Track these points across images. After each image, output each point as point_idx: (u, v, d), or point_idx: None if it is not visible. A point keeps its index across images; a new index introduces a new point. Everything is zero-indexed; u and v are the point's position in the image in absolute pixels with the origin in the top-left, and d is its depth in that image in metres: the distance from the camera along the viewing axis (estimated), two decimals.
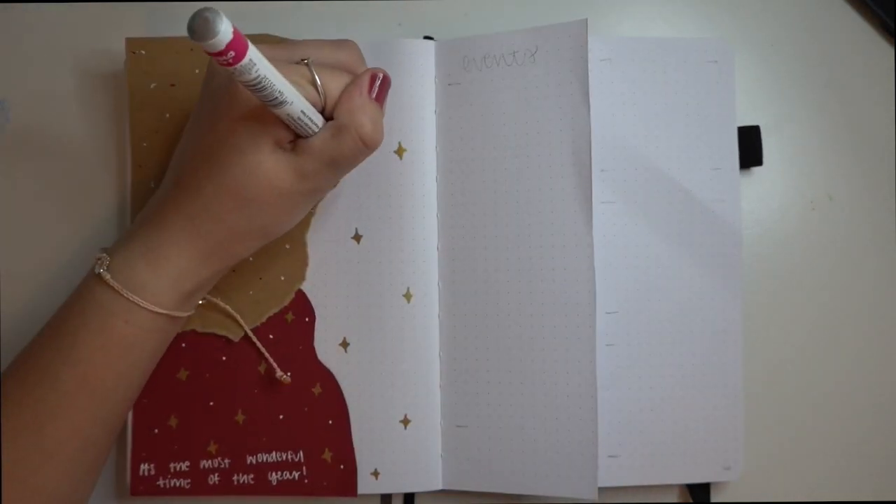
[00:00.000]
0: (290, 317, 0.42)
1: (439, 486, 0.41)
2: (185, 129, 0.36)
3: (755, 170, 0.44)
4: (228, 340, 0.41)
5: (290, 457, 0.41)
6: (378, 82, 0.34)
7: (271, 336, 0.41)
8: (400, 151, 0.42)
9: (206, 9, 0.25)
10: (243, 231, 0.34)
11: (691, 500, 0.42)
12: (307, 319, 0.42)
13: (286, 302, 0.42)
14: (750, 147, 0.43)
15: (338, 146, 0.33)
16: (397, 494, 0.42)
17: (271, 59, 0.29)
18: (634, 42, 0.43)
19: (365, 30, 0.44)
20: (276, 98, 0.29)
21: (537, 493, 0.41)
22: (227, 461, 0.41)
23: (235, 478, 0.41)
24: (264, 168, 0.32)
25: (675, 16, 0.45)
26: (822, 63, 0.45)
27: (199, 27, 0.24)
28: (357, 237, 0.42)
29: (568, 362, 0.41)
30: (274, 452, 0.41)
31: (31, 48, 0.44)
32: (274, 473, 0.41)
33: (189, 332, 0.41)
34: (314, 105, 0.33)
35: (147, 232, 0.34)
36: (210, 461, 0.41)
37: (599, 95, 0.42)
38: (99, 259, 0.34)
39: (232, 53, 0.26)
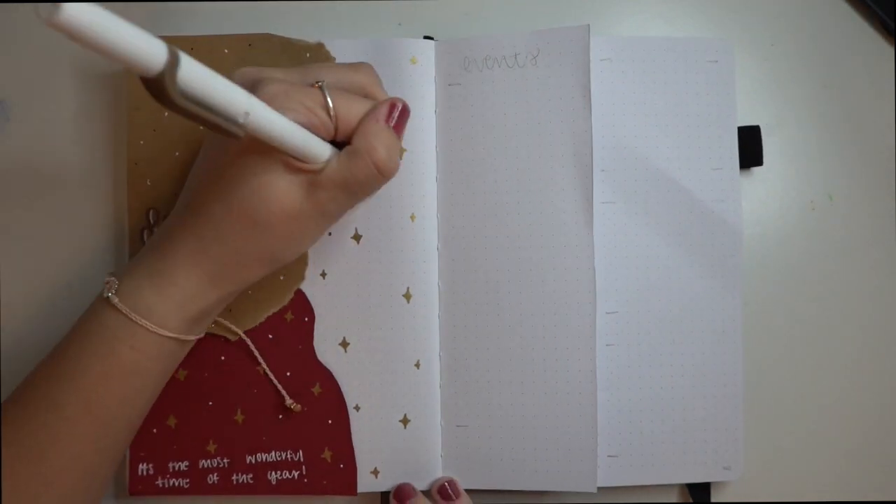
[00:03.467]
0: (289, 316, 0.42)
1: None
2: (199, 153, 0.36)
3: (755, 170, 0.44)
4: (227, 340, 0.41)
5: (289, 456, 0.41)
6: (397, 112, 0.34)
7: (271, 336, 0.41)
8: (400, 151, 0.41)
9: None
10: (251, 255, 0.34)
11: (691, 500, 0.42)
12: (307, 319, 0.42)
13: (285, 302, 0.42)
14: (750, 147, 0.43)
15: (351, 170, 0.32)
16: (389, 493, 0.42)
17: (284, 82, 0.29)
18: (634, 42, 0.43)
19: (365, 30, 0.44)
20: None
21: (537, 488, 0.41)
22: (226, 461, 0.41)
23: (235, 477, 0.41)
24: (274, 189, 0.32)
25: (675, 16, 0.45)
26: (822, 63, 0.45)
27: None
28: (357, 237, 0.42)
29: (568, 362, 0.41)
30: (273, 452, 0.41)
31: (30, 48, 0.44)
32: (273, 473, 0.41)
33: None
34: (325, 129, 0.32)
35: (155, 255, 0.34)
36: (209, 461, 0.41)
37: (599, 95, 0.42)
38: (108, 282, 0.34)
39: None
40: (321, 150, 0.32)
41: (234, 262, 0.34)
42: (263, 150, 0.32)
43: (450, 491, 0.40)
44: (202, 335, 0.37)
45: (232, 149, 0.32)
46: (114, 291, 0.33)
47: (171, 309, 0.33)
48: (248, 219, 0.32)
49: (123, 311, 0.33)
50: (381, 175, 0.33)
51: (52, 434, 0.33)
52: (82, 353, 0.33)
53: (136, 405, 0.35)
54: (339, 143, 0.34)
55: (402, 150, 0.35)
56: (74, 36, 0.21)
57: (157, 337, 0.33)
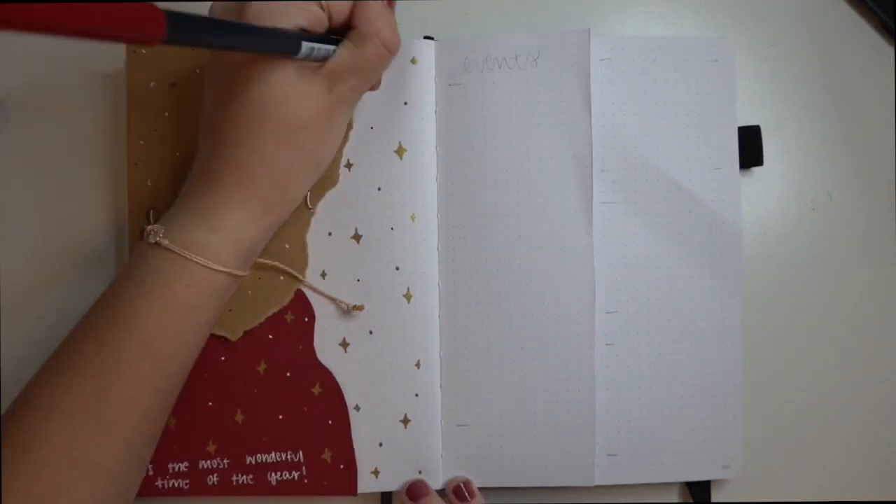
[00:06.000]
0: (289, 317, 0.42)
1: (440, 486, 0.41)
2: (204, 95, 0.36)
3: (755, 170, 0.44)
4: (227, 340, 0.41)
5: (289, 457, 0.41)
6: None
7: (271, 336, 0.41)
8: (400, 151, 0.41)
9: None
10: (296, 164, 0.35)
11: (691, 499, 0.42)
12: (307, 319, 0.42)
13: (286, 302, 0.41)
14: (750, 147, 0.43)
15: (363, 54, 0.34)
16: (397, 493, 0.42)
17: None
18: (634, 42, 0.43)
19: None
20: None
21: (536, 484, 0.41)
22: (226, 461, 0.41)
23: (234, 478, 0.41)
24: (297, 90, 0.33)
25: (675, 16, 0.45)
26: (822, 63, 0.45)
27: None
28: (357, 237, 0.42)
29: (567, 361, 0.41)
30: (273, 452, 0.41)
31: (30, 48, 0.44)
32: (273, 473, 0.41)
33: None
34: (321, 23, 0.34)
35: (200, 197, 0.34)
36: (209, 461, 0.41)
37: (599, 95, 0.42)
38: (151, 230, 0.34)
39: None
40: (319, 47, 0.34)
41: (281, 179, 0.35)
42: (273, 61, 0.33)
43: (465, 491, 0.40)
44: (248, 273, 0.37)
45: (243, 72, 0.33)
46: (161, 236, 0.34)
47: (225, 243, 0.34)
48: (284, 127, 0.34)
49: (177, 251, 0.33)
50: (390, 52, 0.35)
51: (111, 377, 0.33)
52: (137, 296, 0.33)
53: (190, 345, 0.35)
54: (333, 31, 0.35)
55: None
56: None
57: (211, 273, 0.34)
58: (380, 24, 0.34)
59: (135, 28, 0.24)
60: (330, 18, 0.34)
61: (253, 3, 0.32)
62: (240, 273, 0.36)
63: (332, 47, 0.34)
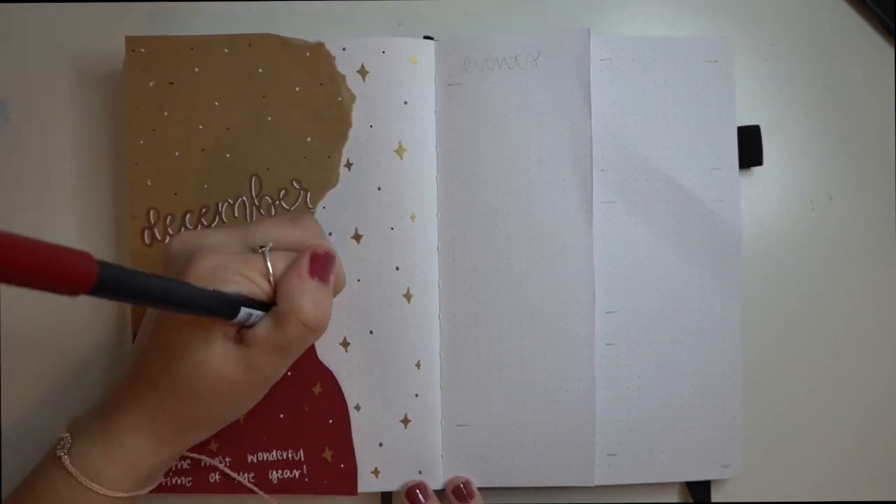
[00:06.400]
0: None
1: (440, 485, 0.41)
2: (144, 318, 0.36)
3: (755, 170, 0.44)
4: None
5: (290, 455, 0.41)
6: (319, 262, 0.33)
7: None
8: (400, 151, 0.42)
9: None
10: (199, 420, 0.34)
11: (691, 499, 0.42)
12: None
13: None
14: (750, 147, 0.43)
15: (282, 335, 0.32)
16: (398, 493, 0.42)
17: (223, 246, 0.30)
18: (634, 42, 0.43)
19: (365, 30, 0.44)
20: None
21: (536, 484, 0.41)
22: (227, 460, 0.41)
23: (236, 476, 0.41)
24: (213, 364, 0.32)
25: (675, 16, 0.45)
26: (822, 63, 0.45)
27: None
28: (357, 237, 0.42)
29: (567, 361, 0.41)
30: (274, 451, 0.41)
31: (30, 48, 0.44)
32: (274, 472, 0.41)
33: None
34: (265, 295, 0.32)
35: (105, 418, 0.34)
36: (211, 459, 0.41)
37: (599, 95, 0.42)
38: (62, 439, 0.34)
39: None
40: (258, 314, 0.32)
41: (182, 427, 0.34)
42: (201, 323, 0.32)
43: (464, 492, 0.40)
44: (154, 486, 0.37)
45: (174, 322, 0.32)
46: (66, 451, 0.33)
47: (121, 471, 0.34)
48: (190, 391, 0.33)
49: (75, 476, 0.33)
50: (313, 331, 0.32)
51: None
52: None
53: None
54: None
55: (338, 289, 0.36)
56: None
57: (108, 499, 0.33)
58: (301, 302, 0.31)
59: (61, 278, 0.21)
60: (276, 291, 0.32)
61: (201, 264, 0.31)
62: (140, 493, 0.35)
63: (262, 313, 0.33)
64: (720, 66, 0.42)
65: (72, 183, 0.43)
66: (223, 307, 0.30)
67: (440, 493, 0.41)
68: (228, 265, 0.31)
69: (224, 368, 0.32)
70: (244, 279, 0.31)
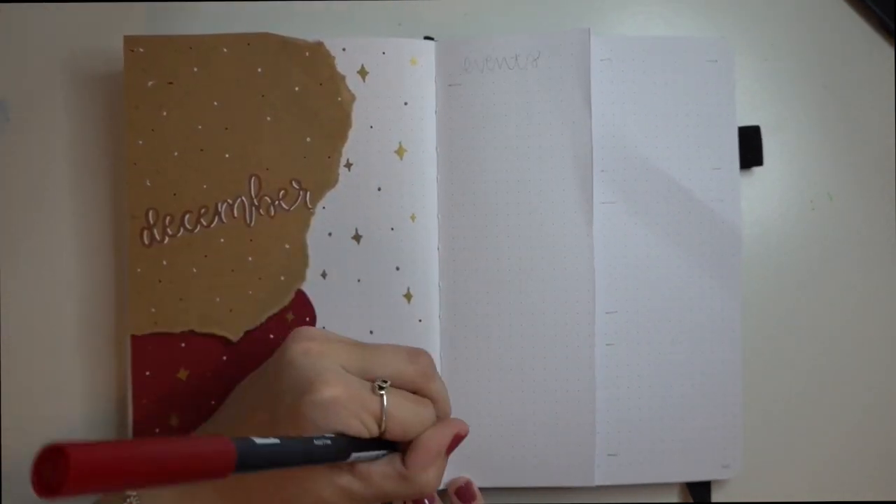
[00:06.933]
0: (290, 316, 0.42)
1: (440, 485, 0.41)
2: (243, 390, 0.37)
3: (755, 170, 0.44)
4: (228, 341, 0.41)
5: None
6: (458, 442, 0.35)
7: (272, 336, 0.41)
8: (400, 151, 0.41)
9: None
10: None
11: (691, 499, 0.42)
12: (308, 319, 0.42)
13: (286, 302, 0.41)
14: (750, 147, 0.43)
15: (395, 489, 0.33)
16: None
17: (343, 376, 0.31)
18: (634, 42, 0.43)
19: (365, 30, 0.44)
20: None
21: (537, 485, 0.41)
22: None
23: None
24: (318, 487, 0.32)
25: (675, 16, 0.45)
26: (822, 63, 0.45)
27: None
28: (357, 237, 0.42)
29: (567, 361, 0.41)
30: None
31: (30, 48, 0.44)
32: None
33: (188, 332, 0.41)
34: (370, 435, 0.33)
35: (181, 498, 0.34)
36: None
37: (599, 95, 0.42)
38: (128, 498, 0.33)
39: None
40: (373, 454, 0.33)
41: None
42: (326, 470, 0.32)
43: (467, 493, 0.41)
44: None
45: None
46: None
47: None
48: (284, 502, 0.33)
49: None
50: (423, 497, 0.35)
51: None
52: None
53: None
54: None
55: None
56: None
57: None
58: (431, 479, 0.34)
59: (205, 466, 0.23)
60: (385, 431, 0.33)
61: (323, 394, 0.31)
62: None
63: (376, 453, 0.33)
64: (720, 65, 0.42)
65: (71, 183, 0.43)
66: (340, 455, 0.31)
67: (441, 494, 0.41)
68: (348, 405, 0.32)
69: (327, 491, 0.32)
70: (359, 423, 0.32)
